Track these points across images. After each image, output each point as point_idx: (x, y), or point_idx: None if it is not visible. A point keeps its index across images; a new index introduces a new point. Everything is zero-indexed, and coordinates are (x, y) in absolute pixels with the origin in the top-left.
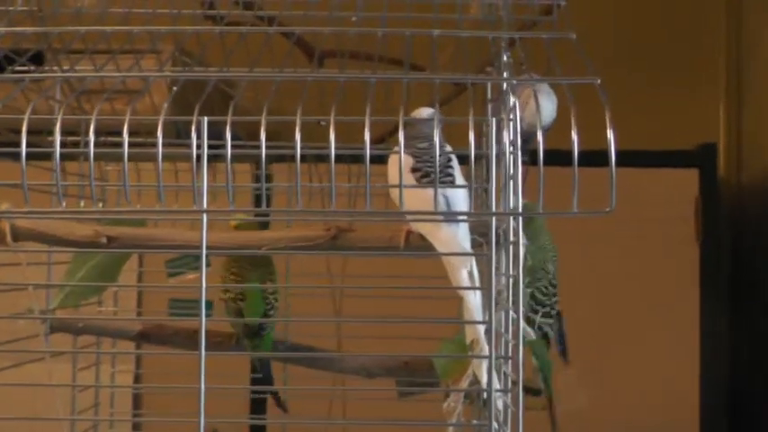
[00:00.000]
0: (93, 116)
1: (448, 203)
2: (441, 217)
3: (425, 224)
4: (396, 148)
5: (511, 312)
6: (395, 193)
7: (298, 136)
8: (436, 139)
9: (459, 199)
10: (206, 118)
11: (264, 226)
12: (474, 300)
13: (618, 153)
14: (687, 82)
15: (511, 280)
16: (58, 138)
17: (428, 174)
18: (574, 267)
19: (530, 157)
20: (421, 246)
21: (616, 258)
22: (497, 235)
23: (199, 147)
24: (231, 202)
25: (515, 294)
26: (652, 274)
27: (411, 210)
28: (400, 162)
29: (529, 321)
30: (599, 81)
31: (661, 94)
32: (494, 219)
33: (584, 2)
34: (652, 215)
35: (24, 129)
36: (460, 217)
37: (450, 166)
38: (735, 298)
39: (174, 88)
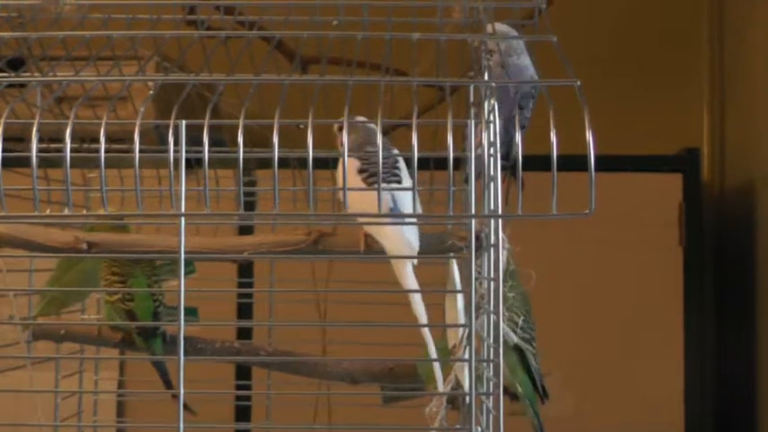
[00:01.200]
0: (69, 121)
1: (395, 202)
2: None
3: (372, 224)
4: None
5: (491, 316)
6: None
7: (275, 138)
8: (379, 141)
9: (407, 200)
10: (183, 121)
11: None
12: (419, 300)
13: (602, 157)
14: (670, 87)
15: (492, 283)
16: (35, 142)
17: (374, 174)
18: (557, 272)
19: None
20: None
21: (600, 263)
22: (478, 239)
23: (177, 150)
24: (207, 206)
25: (496, 297)
26: (636, 279)
27: (365, 212)
28: (344, 164)
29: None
30: (579, 83)
31: (644, 98)
32: (473, 221)
33: (569, 7)
34: (636, 220)
35: (0, 131)
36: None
37: (398, 167)
38: (719, 302)
39: (151, 92)
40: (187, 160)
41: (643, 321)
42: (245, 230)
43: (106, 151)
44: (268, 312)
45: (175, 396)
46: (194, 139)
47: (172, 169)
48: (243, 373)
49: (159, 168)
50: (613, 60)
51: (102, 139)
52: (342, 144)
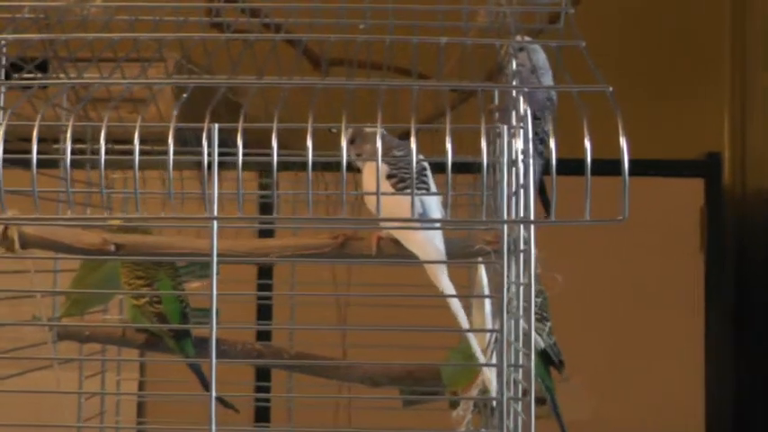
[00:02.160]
0: (103, 123)
1: (424, 209)
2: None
3: (397, 229)
4: (364, 156)
5: (521, 321)
6: (370, 200)
7: (309, 142)
8: (413, 144)
9: (434, 205)
10: (216, 125)
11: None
12: (458, 304)
13: (617, 162)
14: (692, 92)
15: (522, 288)
16: (69, 145)
17: (404, 179)
18: (578, 277)
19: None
20: (398, 252)
21: (621, 267)
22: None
23: (209, 154)
24: (240, 209)
25: (527, 302)
26: (657, 284)
27: (397, 217)
28: (377, 169)
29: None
30: (611, 89)
31: (666, 104)
32: (505, 226)
33: (589, 12)
34: (657, 224)
35: (35, 136)
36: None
37: (425, 174)
38: (739, 307)
39: (185, 95)
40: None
41: (664, 325)
42: (265, 233)
43: (134, 153)
44: (287, 314)
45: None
46: (220, 142)
47: (205, 174)
48: (263, 374)
49: (183, 170)
50: (634, 65)
51: (137, 142)
52: (355, 152)
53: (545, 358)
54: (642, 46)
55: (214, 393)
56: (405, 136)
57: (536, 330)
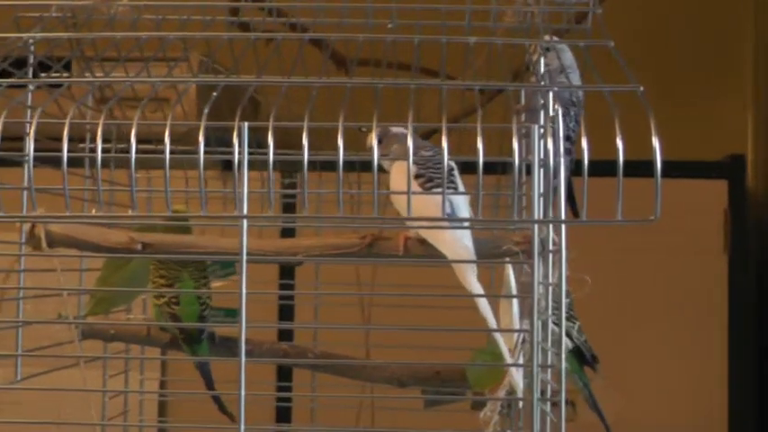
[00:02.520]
0: (131, 122)
1: (453, 209)
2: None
3: (424, 228)
4: (391, 156)
5: (551, 321)
6: (398, 200)
7: (340, 141)
8: (444, 143)
9: (463, 205)
10: (246, 123)
11: (186, 230)
12: (486, 304)
13: (647, 163)
14: (715, 93)
15: (551, 289)
16: (99, 144)
17: (432, 179)
18: (600, 278)
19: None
20: (425, 252)
21: (644, 269)
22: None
23: (239, 153)
24: (271, 208)
25: (557, 303)
26: (680, 285)
27: (428, 216)
28: (408, 169)
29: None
30: (642, 89)
31: (689, 105)
32: (536, 227)
33: (611, 12)
34: (680, 226)
35: (65, 135)
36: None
37: (453, 174)
38: (762, 309)
39: (214, 94)
40: (227, 162)
41: (687, 326)
42: (286, 233)
43: (160, 152)
44: (309, 315)
45: (217, 399)
46: (232, 142)
47: (236, 171)
48: (284, 374)
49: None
50: (656, 67)
51: (167, 141)
52: (382, 152)
53: (578, 356)
54: (664, 47)
55: (243, 392)
56: (427, 136)
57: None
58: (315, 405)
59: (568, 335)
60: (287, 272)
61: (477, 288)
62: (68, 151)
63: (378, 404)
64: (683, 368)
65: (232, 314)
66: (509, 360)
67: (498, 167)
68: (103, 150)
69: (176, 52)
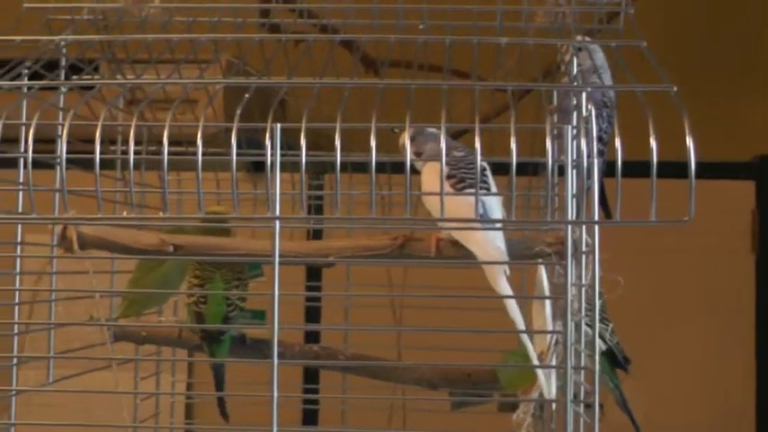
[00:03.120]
0: (162, 124)
1: (485, 209)
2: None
3: (458, 229)
4: (424, 156)
5: (584, 323)
6: (429, 200)
7: (373, 142)
8: (477, 144)
9: (495, 206)
10: (278, 125)
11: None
12: (515, 307)
13: (675, 164)
14: (743, 93)
15: (584, 290)
16: (132, 146)
17: (463, 179)
18: (630, 278)
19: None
20: (457, 254)
21: (672, 270)
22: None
23: (272, 154)
24: (304, 210)
25: (590, 304)
26: (708, 286)
27: (460, 217)
28: (441, 169)
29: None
30: (675, 89)
31: (717, 105)
32: (569, 228)
33: (639, 12)
34: (708, 227)
35: (98, 137)
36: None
37: (485, 174)
38: None
39: (246, 96)
40: (256, 163)
41: (715, 327)
42: (314, 234)
43: (191, 154)
44: (336, 316)
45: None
46: (260, 143)
47: (269, 173)
48: (311, 375)
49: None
50: (685, 66)
51: (200, 142)
52: (414, 152)
53: (610, 358)
54: (691, 47)
55: (276, 394)
56: (456, 136)
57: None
58: (345, 407)
59: (601, 337)
60: (314, 273)
61: (506, 291)
62: (100, 153)
63: (409, 405)
64: (711, 368)
65: (259, 316)
66: (536, 362)
67: (529, 168)
68: (135, 152)
69: (207, 54)
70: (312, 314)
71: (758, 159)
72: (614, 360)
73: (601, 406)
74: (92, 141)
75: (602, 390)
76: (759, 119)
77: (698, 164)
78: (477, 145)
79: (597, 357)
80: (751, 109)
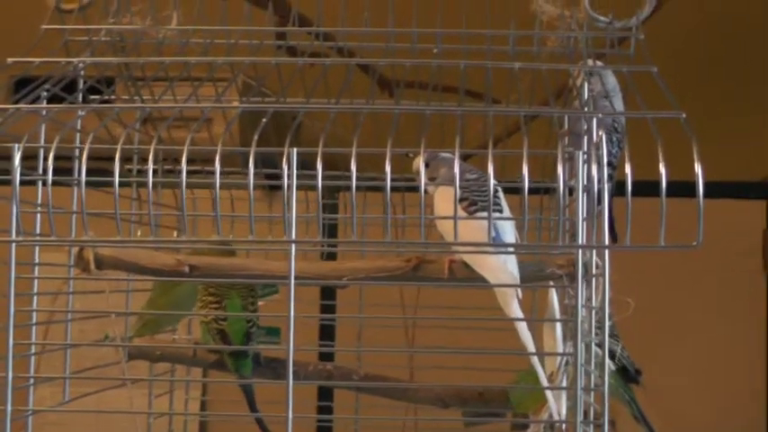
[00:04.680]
0: (185, 147)
1: (497, 232)
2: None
3: (474, 254)
4: (438, 180)
5: (594, 344)
6: (442, 224)
7: (388, 167)
8: (490, 169)
9: (508, 228)
10: (295, 150)
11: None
12: (526, 330)
13: (685, 184)
14: (753, 113)
15: (595, 312)
16: (150, 167)
17: (475, 202)
18: (640, 298)
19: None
20: (470, 275)
21: (683, 290)
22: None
23: (288, 177)
24: (320, 233)
25: (600, 324)
26: (719, 306)
27: (472, 240)
28: (455, 193)
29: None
30: (684, 116)
31: (727, 125)
32: (580, 251)
33: (650, 32)
34: (719, 247)
35: (117, 158)
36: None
37: (498, 197)
38: None
39: (264, 120)
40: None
41: (726, 346)
42: (329, 255)
43: (208, 173)
44: (351, 335)
45: (259, 420)
46: (275, 161)
47: (285, 196)
48: (325, 393)
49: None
50: (697, 86)
51: (218, 165)
52: (428, 177)
53: (622, 373)
54: (703, 67)
55: (291, 415)
56: (466, 157)
57: (610, 348)
58: (358, 427)
59: (612, 352)
60: (328, 292)
61: (518, 315)
62: (112, 173)
63: (421, 425)
64: (723, 387)
65: (274, 333)
66: (545, 384)
67: (541, 189)
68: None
69: (224, 74)
70: (327, 332)
71: None
72: (627, 375)
73: (612, 422)
74: (107, 160)
75: (616, 406)
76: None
77: (710, 184)
78: (491, 170)
79: (606, 378)
80: (762, 129)
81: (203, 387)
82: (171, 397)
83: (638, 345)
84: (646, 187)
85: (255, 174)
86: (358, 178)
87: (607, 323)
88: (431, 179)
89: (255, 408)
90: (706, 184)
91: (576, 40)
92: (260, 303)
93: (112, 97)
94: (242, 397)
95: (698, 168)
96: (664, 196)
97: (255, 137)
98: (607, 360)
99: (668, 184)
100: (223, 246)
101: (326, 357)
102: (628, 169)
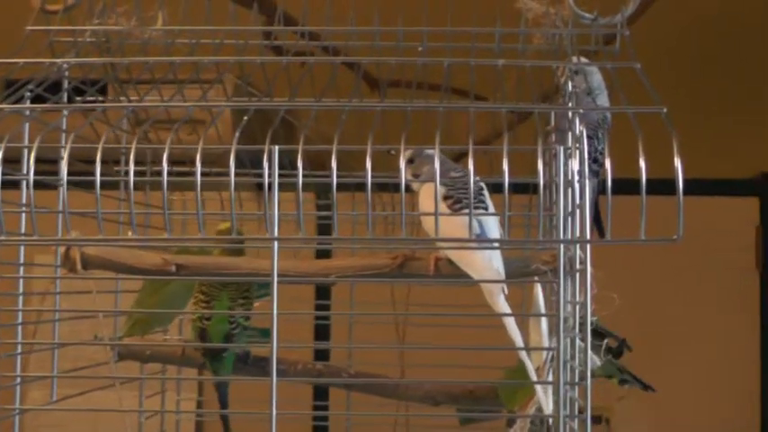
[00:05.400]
0: (164, 146)
1: (482, 229)
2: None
3: (458, 250)
4: (422, 177)
5: (578, 339)
6: (427, 221)
7: (369, 164)
8: (470, 165)
9: (492, 226)
10: (277, 147)
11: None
12: (513, 325)
13: (671, 181)
14: (746, 110)
15: (578, 307)
16: (132, 167)
17: (460, 200)
18: (633, 296)
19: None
20: (456, 272)
21: (676, 287)
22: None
23: (269, 175)
24: (302, 230)
25: (583, 320)
26: (713, 302)
27: (453, 237)
28: (436, 190)
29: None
30: (665, 110)
31: (720, 122)
32: (562, 246)
33: (640, 30)
34: (712, 244)
35: (98, 158)
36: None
37: (482, 194)
38: None
39: (245, 118)
40: (258, 183)
41: (719, 344)
42: (323, 253)
43: (194, 174)
44: (344, 332)
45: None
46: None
47: (266, 195)
48: (320, 393)
49: (239, 191)
50: (690, 83)
51: (199, 164)
52: (412, 174)
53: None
54: (694, 64)
55: (275, 412)
56: (457, 159)
57: (592, 348)
58: (349, 424)
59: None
60: (323, 291)
61: (504, 310)
62: (103, 174)
63: (413, 422)
64: (716, 384)
65: (266, 333)
66: (535, 378)
67: (530, 187)
68: (138, 173)
69: (211, 74)
70: (321, 331)
71: (762, 176)
72: (614, 353)
73: (607, 421)
74: (94, 162)
75: (609, 406)
76: (763, 136)
77: (703, 181)
78: (471, 166)
79: (589, 373)
80: (755, 126)
81: (199, 387)
82: (162, 397)
83: (632, 342)
84: (633, 184)
85: (245, 174)
86: (345, 177)
87: (589, 319)
88: (414, 176)
89: (226, 407)
90: (700, 182)
91: (561, 37)
92: (256, 304)
93: (99, 98)
94: (238, 397)
95: (677, 162)
96: (644, 190)
97: (237, 134)
98: (589, 354)
99: (655, 180)
100: (227, 245)
101: (322, 355)
102: (608, 164)
